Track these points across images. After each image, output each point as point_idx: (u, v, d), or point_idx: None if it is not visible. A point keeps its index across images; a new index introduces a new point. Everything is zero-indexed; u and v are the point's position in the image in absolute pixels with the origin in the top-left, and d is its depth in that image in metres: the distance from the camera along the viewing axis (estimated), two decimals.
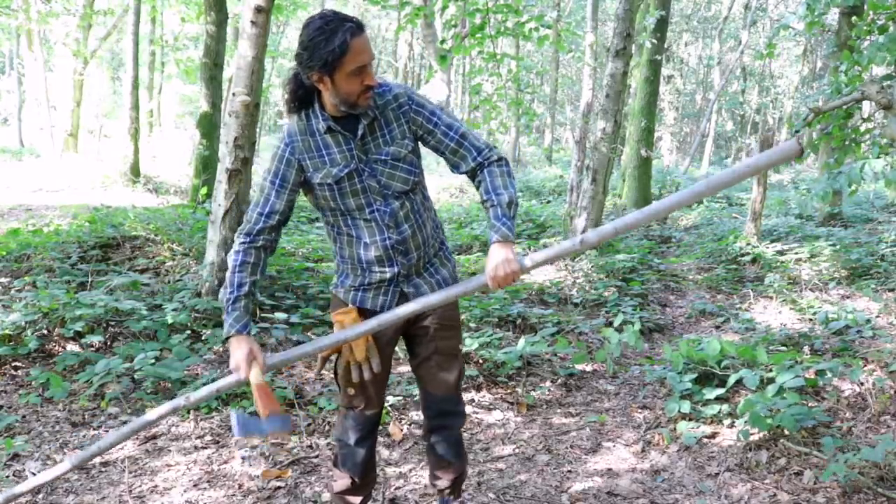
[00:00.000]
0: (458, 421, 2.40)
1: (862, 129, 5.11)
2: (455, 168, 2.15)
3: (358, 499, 2.40)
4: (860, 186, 4.32)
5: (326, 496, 2.85)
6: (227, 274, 2.10)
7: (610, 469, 3.19)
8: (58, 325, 4.15)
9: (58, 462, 3.05)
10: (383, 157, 2.08)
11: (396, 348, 2.45)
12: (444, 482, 2.44)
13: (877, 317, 5.41)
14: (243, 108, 4.50)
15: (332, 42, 1.89)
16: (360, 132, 2.05)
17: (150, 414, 2.20)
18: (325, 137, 2.07)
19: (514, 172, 2.38)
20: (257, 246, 2.10)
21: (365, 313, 2.19)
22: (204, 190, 8.12)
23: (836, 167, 4.75)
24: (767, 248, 7.87)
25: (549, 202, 13.80)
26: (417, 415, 3.67)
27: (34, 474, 2.94)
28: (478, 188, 2.13)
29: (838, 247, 7.60)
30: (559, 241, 8.34)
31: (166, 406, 2.17)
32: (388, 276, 2.17)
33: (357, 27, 1.91)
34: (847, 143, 5.00)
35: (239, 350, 2.03)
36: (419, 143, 2.16)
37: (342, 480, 2.36)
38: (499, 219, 2.03)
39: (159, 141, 18.79)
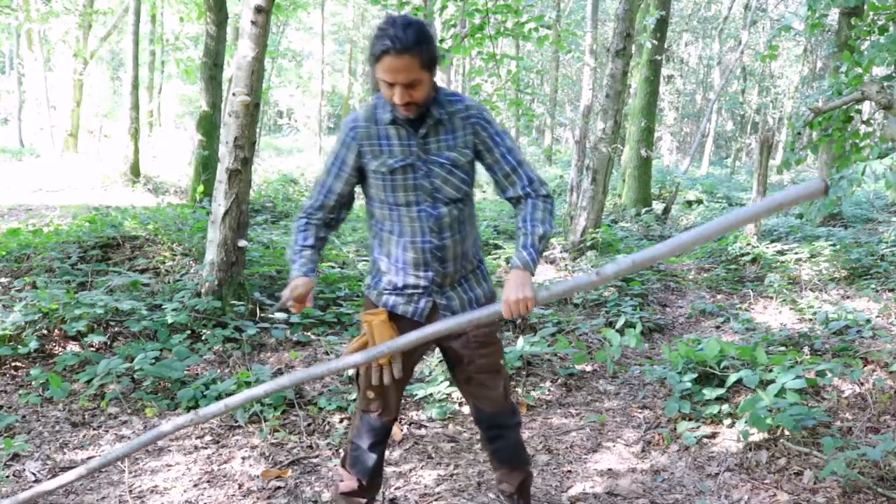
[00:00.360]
0: (513, 432, 2.41)
1: (861, 132, 5.12)
2: (503, 192, 2.18)
3: (363, 501, 2.40)
4: (861, 187, 4.33)
5: (326, 496, 2.86)
6: (291, 239, 2.20)
7: (610, 469, 3.19)
8: (58, 325, 4.15)
9: (58, 462, 3.05)
10: (442, 161, 2.10)
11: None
12: (510, 487, 2.45)
13: (877, 317, 5.41)
14: (243, 108, 4.50)
15: (374, 46, 1.93)
16: (423, 130, 2.07)
17: (166, 426, 2.23)
18: (388, 128, 2.09)
19: None
20: (315, 221, 2.19)
21: (395, 319, 2.19)
22: (201, 188, 8.12)
23: (838, 174, 4.76)
24: (767, 248, 7.87)
25: None
26: (417, 415, 3.68)
27: (34, 474, 2.95)
28: (517, 216, 2.15)
29: (838, 247, 7.61)
30: (561, 242, 8.35)
31: (181, 419, 2.20)
32: (421, 282, 2.18)
33: (393, 48, 1.89)
34: (847, 149, 5.01)
35: (293, 283, 2.09)
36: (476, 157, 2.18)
37: (349, 482, 2.37)
38: (526, 247, 2.05)
39: (159, 141, 18.78)
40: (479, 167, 2.21)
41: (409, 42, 1.89)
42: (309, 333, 4.72)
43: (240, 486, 2.92)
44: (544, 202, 2.13)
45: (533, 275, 2.04)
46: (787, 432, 3.26)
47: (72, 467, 3.02)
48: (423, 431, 3.52)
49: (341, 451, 3.25)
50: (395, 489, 2.95)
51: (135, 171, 12.26)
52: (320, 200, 2.19)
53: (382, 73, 1.93)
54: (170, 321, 4.27)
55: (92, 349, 4.09)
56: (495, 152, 2.13)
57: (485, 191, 13.96)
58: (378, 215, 2.19)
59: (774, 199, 1.79)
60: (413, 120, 2.07)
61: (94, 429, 3.39)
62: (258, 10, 4.41)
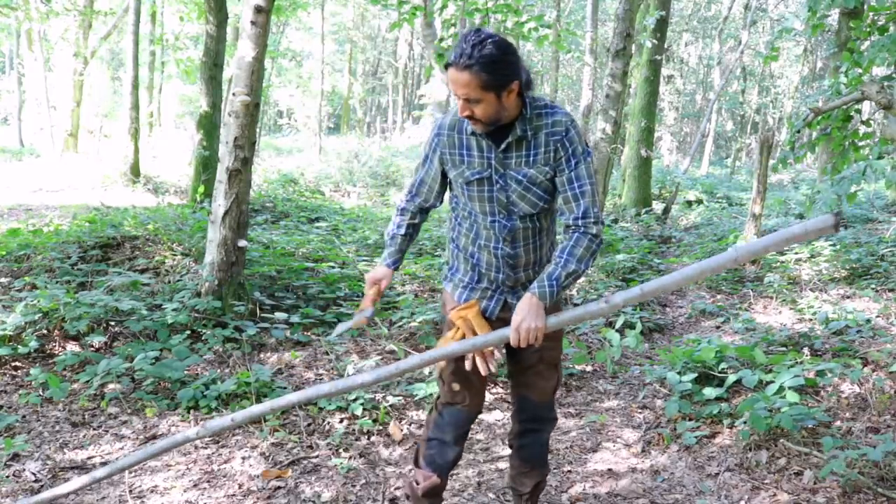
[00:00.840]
0: (550, 426, 2.44)
1: (861, 132, 5.11)
2: (560, 214, 2.18)
3: (440, 500, 2.44)
4: (861, 187, 4.33)
5: (326, 496, 2.85)
6: (392, 217, 2.37)
7: (610, 469, 3.19)
8: (58, 325, 4.15)
9: (58, 462, 3.05)
10: (519, 177, 2.10)
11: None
12: (525, 487, 2.46)
13: (877, 317, 5.41)
14: (243, 108, 4.50)
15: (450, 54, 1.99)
16: (503, 145, 2.07)
17: (178, 436, 2.28)
18: (470, 139, 2.12)
19: None
20: (411, 208, 2.33)
21: None
22: (201, 189, 8.11)
23: (836, 174, 4.76)
24: None
25: None
26: (417, 415, 3.68)
27: (34, 474, 2.94)
28: (560, 242, 2.15)
29: (838, 247, 7.60)
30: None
31: (192, 431, 2.26)
32: (493, 279, 2.22)
33: (455, 62, 1.92)
34: (846, 147, 5.01)
35: (375, 271, 2.30)
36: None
37: (428, 481, 2.37)
38: (550, 278, 2.04)
39: (159, 141, 18.75)
40: None
41: (472, 61, 1.90)
42: (309, 333, 4.72)
43: (240, 486, 2.92)
44: (590, 240, 2.08)
45: (545, 307, 2.03)
46: (786, 432, 3.26)
47: (72, 467, 3.02)
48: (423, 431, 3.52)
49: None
50: (395, 489, 2.95)
51: (135, 171, 12.26)
52: (415, 189, 2.32)
53: (448, 82, 1.99)
54: (170, 321, 4.27)
55: (92, 349, 4.09)
56: (564, 175, 2.09)
57: None
58: (459, 212, 2.25)
59: (786, 234, 1.83)
60: (494, 133, 2.07)
61: (94, 429, 3.39)
62: (258, 10, 4.41)
